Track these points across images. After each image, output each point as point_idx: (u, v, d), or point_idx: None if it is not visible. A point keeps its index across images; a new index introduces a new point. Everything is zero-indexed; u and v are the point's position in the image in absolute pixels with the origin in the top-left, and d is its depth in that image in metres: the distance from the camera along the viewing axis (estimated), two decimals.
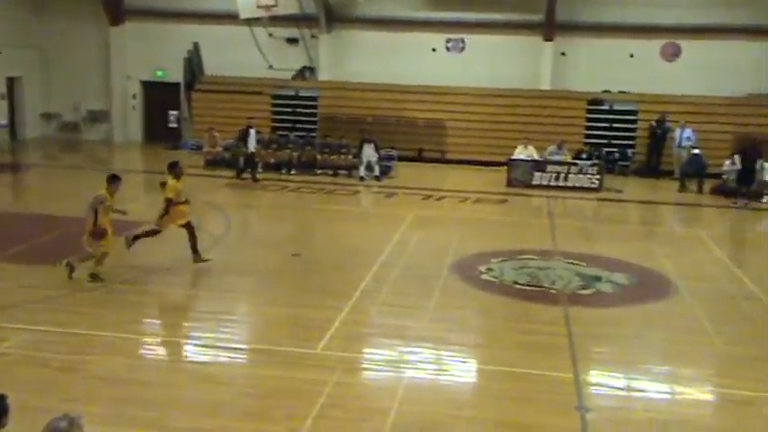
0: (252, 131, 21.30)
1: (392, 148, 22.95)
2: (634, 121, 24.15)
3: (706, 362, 9.33)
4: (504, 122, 24.12)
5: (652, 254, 14.23)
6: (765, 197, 19.86)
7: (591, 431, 7.20)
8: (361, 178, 21.39)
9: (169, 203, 11.83)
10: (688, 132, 22.38)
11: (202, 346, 9.17)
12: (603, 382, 8.65)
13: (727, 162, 20.72)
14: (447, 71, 25.41)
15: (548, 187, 20.76)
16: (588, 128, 24.32)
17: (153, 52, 27.58)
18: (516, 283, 12.08)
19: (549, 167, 21.05)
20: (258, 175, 21.03)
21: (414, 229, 15.65)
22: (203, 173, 21.51)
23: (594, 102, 24.45)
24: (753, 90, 23.90)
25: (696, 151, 21.41)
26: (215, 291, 11.24)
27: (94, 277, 11.04)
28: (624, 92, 24.45)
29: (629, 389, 8.49)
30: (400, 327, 9.87)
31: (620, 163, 23.66)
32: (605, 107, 24.39)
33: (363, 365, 8.82)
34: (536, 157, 21.51)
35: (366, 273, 12.11)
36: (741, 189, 19.65)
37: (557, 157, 21.51)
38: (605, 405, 7.98)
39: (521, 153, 21.59)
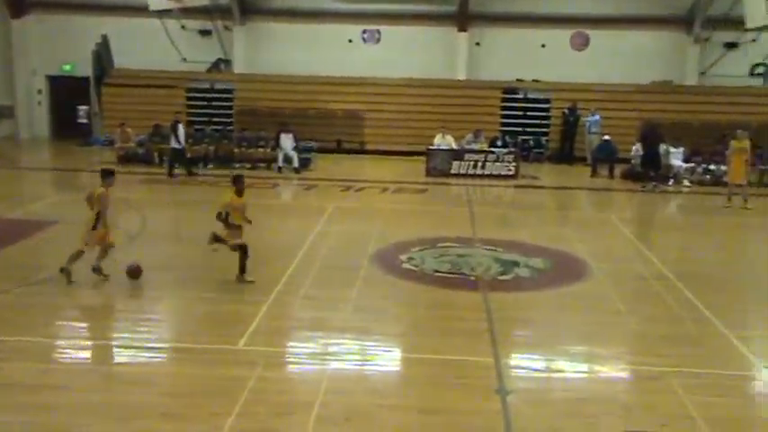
0: (180, 126, 20.77)
1: (311, 139, 22.84)
2: (547, 110, 24.77)
3: (620, 341, 9.65)
4: (422, 112, 24.33)
5: (567, 238, 14.63)
6: (672, 180, 20.68)
7: (511, 413, 7.35)
8: (279, 169, 21.21)
9: (218, 218, 10.98)
10: (596, 119, 23.08)
11: (119, 346, 8.91)
12: (523, 364, 8.84)
13: (635, 147, 21.48)
14: (364, 62, 25.45)
15: (466, 176, 21.06)
16: (504, 116, 24.81)
17: (59, 46, 26.59)
18: (437, 271, 12.21)
19: (467, 156, 21.36)
20: (187, 170, 20.46)
21: (334, 221, 15.62)
22: (117, 170, 20.79)
23: (509, 91, 24.94)
24: (656, 77, 24.83)
25: (606, 137, 22.12)
26: (132, 289, 10.93)
27: (97, 271, 10.96)
28: (537, 81, 25.02)
29: (547, 370, 8.71)
30: (323, 319, 9.83)
31: (534, 150, 24.23)
32: (520, 96, 24.92)
33: (286, 359, 8.75)
34: (454, 146, 21.79)
35: (287, 266, 12.01)
36: (648, 173, 20.39)
37: (474, 146, 21.84)
38: (525, 387, 8.15)
39: (439, 142, 21.82)
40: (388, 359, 8.97)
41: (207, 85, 25.71)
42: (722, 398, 7.87)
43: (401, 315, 10.44)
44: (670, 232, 16.52)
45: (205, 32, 26.56)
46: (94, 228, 10.76)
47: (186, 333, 9.47)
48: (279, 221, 16.01)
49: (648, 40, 24.95)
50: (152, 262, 12.10)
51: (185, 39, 26.28)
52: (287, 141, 21.44)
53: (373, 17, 25.54)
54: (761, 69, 24.44)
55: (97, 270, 10.99)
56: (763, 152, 20.97)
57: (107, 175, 11.03)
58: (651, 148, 20.49)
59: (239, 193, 11.10)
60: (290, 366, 8.60)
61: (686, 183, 20.75)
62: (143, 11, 24.31)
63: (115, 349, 8.89)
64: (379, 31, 25.79)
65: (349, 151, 24.41)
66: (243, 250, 10.99)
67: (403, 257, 12.81)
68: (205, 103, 25.47)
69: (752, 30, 22.48)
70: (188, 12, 25.04)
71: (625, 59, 24.66)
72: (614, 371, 8.78)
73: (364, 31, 25.85)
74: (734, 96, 24.09)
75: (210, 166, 21.72)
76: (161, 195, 18.99)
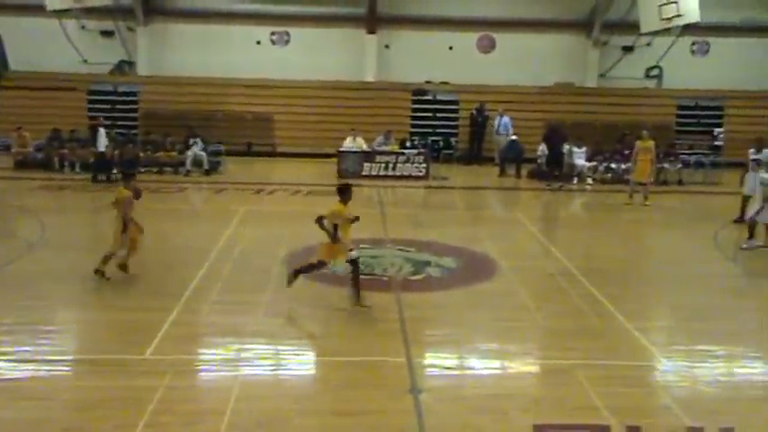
0: (101, 130, 19.99)
1: (220, 142, 22.45)
2: (456, 111, 25.17)
3: (529, 336, 9.88)
4: (333, 114, 24.31)
5: (477, 237, 14.89)
6: (576, 179, 21.36)
7: (424, 411, 7.41)
8: (188, 173, 20.78)
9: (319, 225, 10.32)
10: (506, 120, 23.60)
11: (19, 360, 8.49)
12: (435, 363, 8.94)
13: (540, 147, 22.08)
14: (273, 64, 25.22)
15: (377, 177, 21.16)
16: (414, 118, 25.07)
17: None
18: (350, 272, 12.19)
19: (378, 158, 21.46)
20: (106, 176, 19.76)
21: (245, 224, 15.40)
22: (13, 175, 19.96)
23: (418, 92, 25.22)
24: (559, 79, 25.60)
25: (513, 138, 22.65)
26: (32, 300, 10.44)
27: (123, 267, 11.19)
28: (446, 82, 25.38)
29: (459, 367, 8.84)
30: (234, 324, 9.66)
31: (444, 151, 24.56)
32: (429, 97, 25.23)
33: (196, 367, 8.55)
34: (365, 147, 21.85)
35: (196, 271, 11.75)
36: (553, 172, 21.00)
37: (384, 148, 21.97)
38: (438, 385, 8.24)
39: (350, 144, 21.84)
40: (301, 363, 8.90)
41: (110, 88, 24.90)
42: (625, 388, 8.16)
43: (314, 318, 10.37)
44: (575, 229, 17.06)
45: (107, 33, 25.73)
46: (124, 231, 11.01)
47: (90, 344, 9.13)
48: (188, 226, 15.67)
49: (551, 44, 25.70)
50: (51, 271, 11.62)
51: (86, 40, 25.39)
52: (196, 146, 21.04)
53: (282, 19, 25.34)
54: (655, 72, 25.55)
55: (99, 272, 11.08)
56: (659, 151, 21.90)
57: (127, 177, 11.43)
58: (555, 148, 21.12)
59: (346, 203, 10.46)
60: (201, 374, 8.41)
61: (589, 181, 21.48)
62: (39, 10, 23.34)
63: (14, 363, 8.47)
64: (288, 33, 25.62)
65: (260, 154, 24.13)
66: (355, 265, 10.34)
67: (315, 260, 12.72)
68: (108, 106, 24.66)
69: (646, 34, 23.48)
70: (88, 12, 24.21)
71: (530, 62, 25.32)
72: (524, 366, 8.98)
73: (273, 33, 25.63)
74: (631, 97, 25.12)
75: (115, 170, 21.02)
76: (62, 201, 18.25)
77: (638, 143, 18.56)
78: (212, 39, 25.18)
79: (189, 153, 21.05)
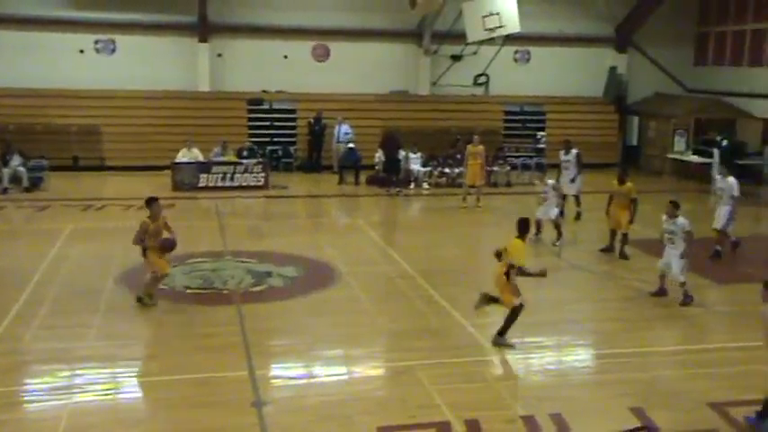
0: None
1: (42, 157, 21.05)
2: (293, 120, 25.10)
3: (371, 340, 10.02)
4: (165, 125, 23.47)
5: (318, 245, 14.92)
6: (413, 184, 21.93)
7: (267, 424, 7.32)
8: (5, 190, 19.39)
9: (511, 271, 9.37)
10: (345, 128, 23.84)
11: None
12: (279, 374, 8.86)
13: (377, 154, 22.49)
14: (98, 74, 23.97)
15: (215, 188, 20.68)
16: (251, 127, 24.72)
17: None
18: (188, 287, 11.86)
19: (215, 168, 20.99)
20: None
21: (73, 243, 14.55)
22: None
23: (254, 102, 24.92)
24: (394, 87, 26.22)
25: (351, 145, 22.91)
26: None
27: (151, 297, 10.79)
28: (282, 91, 25.26)
29: (303, 376, 8.82)
30: (62, 349, 9.10)
31: (283, 160, 24.41)
32: (265, 107, 24.99)
33: (20, 398, 7.97)
34: (201, 158, 21.30)
35: (18, 295, 10.96)
36: (391, 178, 21.45)
37: (221, 158, 21.53)
38: (282, 396, 8.17)
39: (184, 156, 21.21)
40: (136, 385, 8.51)
41: None
42: (463, 383, 8.48)
43: (151, 337, 9.98)
44: (413, 233, 17.50)
45: None
46: (144, 255, 10.79)
47: None
48: (7, 247, 14.55)
49: (385, 52, 26.25)
50: None
51: None
52: (14, 161, 19.67)
53: (107, 26, 24.15)
54: (483, 79, 26.75)
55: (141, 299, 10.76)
56: (489, 155, 22.95)
57: (148, 203, 11.10)
58: (391, 154, 21.59)
59: (523, 237, 9.71)
60: (25, 406, 7.85)
61: (425, 186, 22.11)
62: None
63: None
64: (113, 41, 24.42)
65: (87, 168, 22.85)
66: (517, 312, 9.45)
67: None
68: None
69: (472, 44, 24.54)
70: None
71: (364, 70, 25.70)
72: (367, 369, 9.11)
73: (97, 41, 24.37)
74: (461, 104, 26.14)
75: None
76: None
77: (469, 147, 19.34)
78: (30, 47, 23.56)
79: (5, 169, 19.61)
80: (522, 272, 9.39)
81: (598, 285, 12.97)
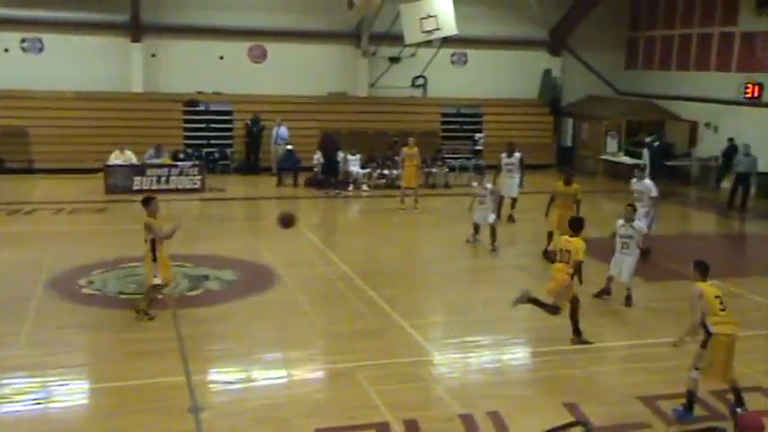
0: None
1: None
2: (230, 121, 24.81)
3: (310, 342, 9.96)
4: (97, 127, 22.90)
5: (256, 248, 14.76)
6: (352, 186, 21.91)
7: (205, 429, 7.21)
8: None
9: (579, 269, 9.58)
10: (283, 130, 23.67)
11: None
12: (217, 378, 8.74)
13: (316, 156, 22.41)
14: (25, 73, 23.24)
15: (150, 191, 20.25)
16: (186, 129, 24.34)
17: None
18: (122, 292, 11.61)
19: (149, 171, 20.57)
20: None
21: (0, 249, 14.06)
22: None
23: (190, 103, 24.54)
24: (332, 89, 26.18)
25: (289, 147, 22.77)
26: None
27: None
28: (218, 93, 24.94)
29: (242, 380, 8.70)
30: None
31: (220, 162, 24.10)
32: (201, 108, 24.64)
33: None
34: (134, 161, 20.85)
35: None
36: (330, 180, 21.40)
37: (155, 161, 21.11)
38: (220, 401, 8.05)
39: (117, 158, 20.72)
40: (69, 394, 8.26)
41: None
42: (402, 384, 8.51)
43: (83, 344, 9.71)
44: (353, 235, 17.51)
45: None
46: (154, 259, 10.21)
47: None
48: None
49: (323, 54, 26.17)
50: None
51: None
52: None
53: (34, 25, 23.42)
54: (420, 81, 26.96)
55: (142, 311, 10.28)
56: (427, 156, 23.11)
57: (146, 202, 10.65)
58: (330, 155, 21.54)
59: (579, 234, 9.92)
60: None
61: (364, 187, 22.12)
62: None
63: None
64: (40, 40, 23.70)
65: (14, 171, 22.10)
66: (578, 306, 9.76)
67: (82, 282, 11.96)
68: None
69: (410, 46, 24.71)
70: None
71: (302, 71, 25.57)
72: (306, 372, 9.06)
73: (24, 40, 23.61)
74: (400, 106, 26.28)
75: None
76: None
77: (405, 150, 19.40)
78: None
79: None
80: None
81: (535, 284, 13.14)
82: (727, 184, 21.41)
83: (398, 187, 20.07)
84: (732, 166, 20.96)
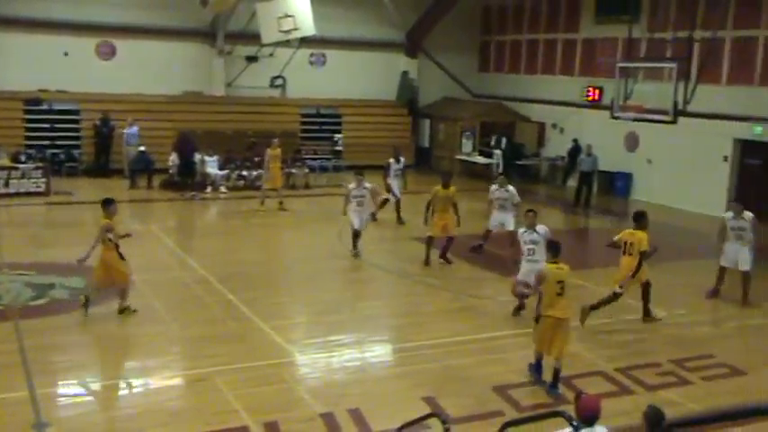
0: None
1: None
2: (77, 121, 23.54)
3: (167, 349, 9.62)
4: None
5: None
6: (210, 187, 21.37)
7: None
8: None
9: (643, 258, 10.63)
10: (134, 130, 22.74)
11: None
12: (63, 392, 8.26)
13: (171, 157, 21.69)
14: None
15: None
16: (28, 129, 22.86)
17: None
18: None
19: None
20: None
21: None
22: None
23: (32, 102, 23.07)
24: (187, 88, 25.45)
25: (142, 148, 21.92)
26: None
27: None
28: (63, 91, 23.61)
29: (92, 393, 8.29)
30: None
31: (67, 164, 22.81)
32: (45, 107, 23.23)
33: None
34: None
35: None
36: (186, 182, 20.77)
37: None
38: (67, 416, 7.62)
39: None
40: None
41: None
42: (262, 387, 8.39)
43: None
44: (211, 237, 17.07)
45: None
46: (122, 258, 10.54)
47: None
48: None
49: (177, 52, 25.33)
50: None
51: None
52: None
53: None
54: (279, 81, 26.72)
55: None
56: (287, 157, 22.96)
57: (106, 204, 10.92)
58: (186, 157, 20.91)
59: (644, 227, 10.83)
60: None
61: (223, 189, 21.61)
62: None
63: None
64: None
65: None
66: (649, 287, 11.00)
67: None
68: None
69: (268, 45, 24.43)
70: None
71: (155, 70, 24.64)
72: (162, 380, 8.72)
73: None
74: (258, 106, 25.90)
75: None
76: None
77: (269, 151, 19.15)
78: None
79: None
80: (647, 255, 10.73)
81: (394, 283, 13.36)
82: (573, 182, 22.65)
83: (259, 188, 19.79)
84: (577, 165, 22.20)
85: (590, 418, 5.30)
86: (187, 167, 20.93)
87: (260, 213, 18.65)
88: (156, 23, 24.63)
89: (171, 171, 21.64)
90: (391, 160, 17.88)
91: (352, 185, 14.54)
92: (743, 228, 12.06)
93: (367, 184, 14.60)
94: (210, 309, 11.11)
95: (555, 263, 8.65)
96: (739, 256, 12.09)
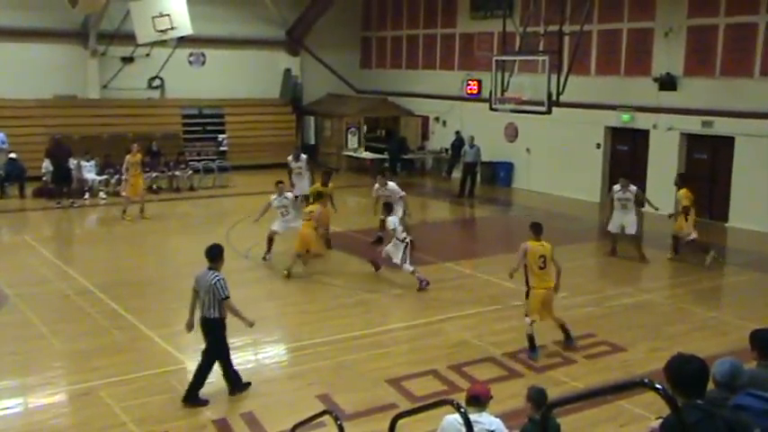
0: None
1: None
2: None
3: (47, 365, 9.18)
4: None
5: None
6: (88, 194, 20.51)
7: None
8: None
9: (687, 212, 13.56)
10: (1, 136, 21.53)
11: None
12: None
13: (45, 164, 20.67)
14: None
15: None
16: None
17: None
18: None
19: None
20: None
21: None
22: None
23: None
24: (60, 91, 24.32)
25: (12, 155, 20.79)
26: None
27: None
28: None
29: None
30: None
31: None
32: None
33: None
34: None
35: None
36: (62, 189, 19.81)
37: None
38: None
39: None
40: None
41: None
42: (151, 397, 8.15)
43: None
44: (92, 245, 16.40)
45: None
46: None
47: None
48: None
49: (47, 54, 24.12)
50: None
51: None
52: None
53: None
54: (157, 82, 25.93)
55: None
56: (169, 160, 22.35)
57: None
58: (60, 163, 19.93)
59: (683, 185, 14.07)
60: None
61: (102, 195, 20.79)
62: None
63: None
64: None
65: None
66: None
67: None
68: None
69: (144, 45, 23.65)
70: None
71: (23, 72, 23.38)
72: (44, 397, 8.33)
73: None
74: (137, 108, 25.04)
75: None
76: None
77: (128, 157, 18.01)
78: None
79: None
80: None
81: (288, 283, 13.25)
82: (457, 173, 23.18)
83: (118, 194, 18.92)
84: (461, 157, 22.72)
85: (475, 399, 5.51)
86: (62, 174, 19.95)
87: (145, 219, 17.94)
88: (24, 24, 23.40)
89: (45, 178, 20.63)
90: (289, 158, 17.75)
91: (274, 197, 14.15)
92: (628, 199, 14.28)
93: (289, 194, 14.42)
94: (94, 320, 10.69)
95: (537, 240, 9.41)
96: (624, 220, 14.33)
